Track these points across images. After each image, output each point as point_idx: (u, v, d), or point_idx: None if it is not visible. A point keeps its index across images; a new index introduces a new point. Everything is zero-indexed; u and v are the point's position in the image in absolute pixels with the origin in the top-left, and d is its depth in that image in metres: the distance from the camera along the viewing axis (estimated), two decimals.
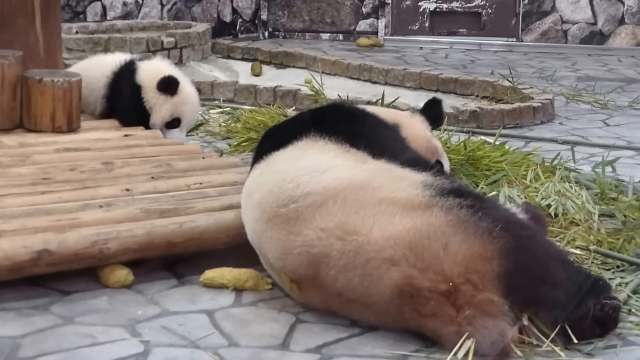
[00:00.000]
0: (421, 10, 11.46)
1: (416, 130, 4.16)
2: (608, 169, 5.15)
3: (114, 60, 5.37)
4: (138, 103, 5.14)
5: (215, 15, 11.11)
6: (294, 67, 8.99)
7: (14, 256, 3.36)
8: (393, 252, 3.05)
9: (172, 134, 5.16)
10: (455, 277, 2.98)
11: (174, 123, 5.18)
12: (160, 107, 5.13)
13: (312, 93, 6.88)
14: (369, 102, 6.31)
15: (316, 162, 3.40)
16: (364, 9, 11.62)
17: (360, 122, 3.74)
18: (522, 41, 11.20)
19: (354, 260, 3.11)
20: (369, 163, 3.45)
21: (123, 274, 3.57)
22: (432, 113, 4.35)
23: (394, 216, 3.13)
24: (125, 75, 5.22)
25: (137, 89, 5.16)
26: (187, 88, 5.25)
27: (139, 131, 5.01)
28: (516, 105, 6.92)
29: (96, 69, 5.35)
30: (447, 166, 4.32)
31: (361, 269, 3.10)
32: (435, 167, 3.58)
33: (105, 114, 5.26)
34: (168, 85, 5.11)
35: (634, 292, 3.54)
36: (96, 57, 5.74)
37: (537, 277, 3.01)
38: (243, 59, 9.34)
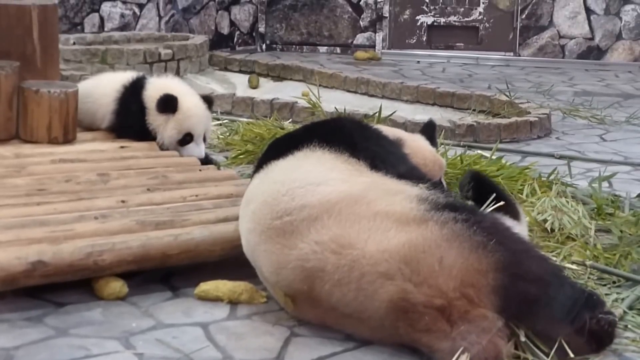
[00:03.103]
0: (419, 24, 11.48)
1: (421, 147, 4.18)
2: (605, 184, 5.15)
3: (126, 76, 5.22)
4: (143, 123, 4.99)
5: (213, 28, 11.12)
6: (291, 79, 9.00)
7: (8, 267, 3.35)
8: (388, 266, 3.04)
9: (188, 150, 4.98)
10: (450, 291, 2.98)
11: (186, 139, 4.98)
12: (164, 128, 4.96)
13: (309, 106, 6.88)
14: (365, 116, 6.31)
15: (312, 174, 3.39)
16: (361, 23, 11.64)
17: (361, 134, 3.73)
18: (519, 56, 11.22)
19: (349, 274, 3.10)
20: (365, 175, 3.44)
21: (118, 286, 3.56)
22: (429, 134, 4.37)
23: (389, 230, 3.12)
24: (133, 92, 5.06)
25: (142, 109, 5.00)
26: (188, 101, 5.01)
27: (134, 143, 4.99)
28: (513, 119, 6.92)
29: (106, 84, 5.20)
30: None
31: (356, 283, 3.09)
32: (432, 182, 3.57)
33: (112, 130, 5.11)
34: (166, 104, 4.92)
35: (630, 308, 3.53)
36: (106, 74, 5.58)
37: (532, 291, 3.01)
38: (240, 72, 9.36)
